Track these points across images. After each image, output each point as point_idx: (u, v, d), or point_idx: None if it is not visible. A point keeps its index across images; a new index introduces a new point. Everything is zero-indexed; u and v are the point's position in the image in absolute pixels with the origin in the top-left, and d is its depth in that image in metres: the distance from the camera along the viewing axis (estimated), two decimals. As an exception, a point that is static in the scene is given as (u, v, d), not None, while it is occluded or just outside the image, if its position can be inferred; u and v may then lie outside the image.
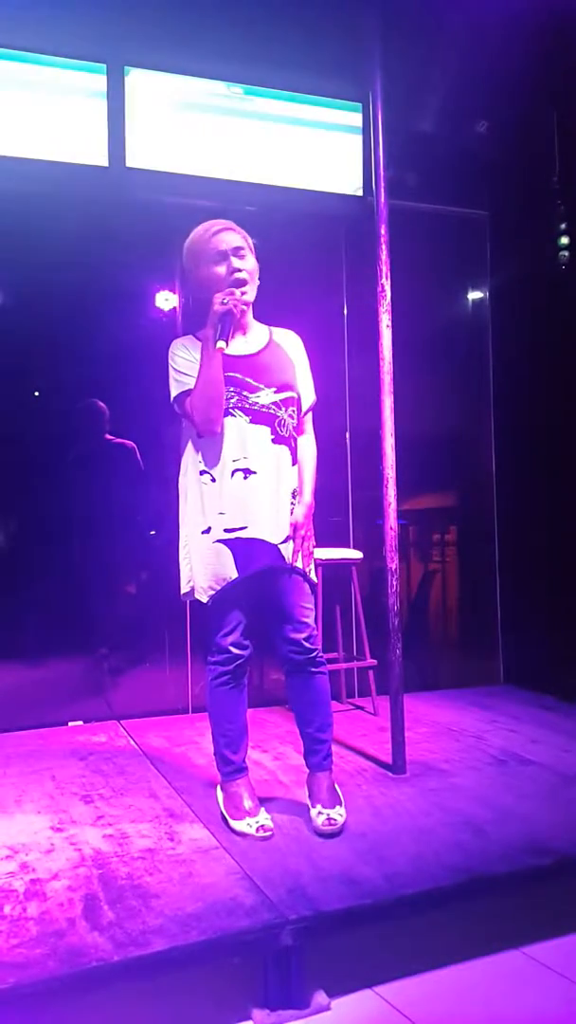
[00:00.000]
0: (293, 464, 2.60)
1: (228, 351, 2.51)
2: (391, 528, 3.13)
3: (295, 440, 2.62)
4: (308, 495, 2.66)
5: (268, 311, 2.79)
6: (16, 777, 3.14)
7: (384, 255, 3.16)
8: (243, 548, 2.52)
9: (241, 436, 2.51)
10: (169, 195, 3.79)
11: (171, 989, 2.05)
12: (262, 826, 2.54)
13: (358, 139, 4.05)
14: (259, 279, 2.62)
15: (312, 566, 2.66)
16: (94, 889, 2.23)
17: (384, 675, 3.30)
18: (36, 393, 3.97)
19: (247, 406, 2.52)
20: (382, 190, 3.17)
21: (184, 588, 2.66)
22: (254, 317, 2.67)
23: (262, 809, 2.62)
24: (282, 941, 2.04)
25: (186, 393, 2.55)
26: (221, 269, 2.55)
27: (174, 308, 4.14)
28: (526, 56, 3.98)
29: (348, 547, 4.20)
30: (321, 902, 2.15)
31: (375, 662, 3.88)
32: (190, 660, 4.12)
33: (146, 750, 3.45)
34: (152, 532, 4.21)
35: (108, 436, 4.11)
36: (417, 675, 4.29)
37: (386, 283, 3.16)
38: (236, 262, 2.55)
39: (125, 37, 3.64)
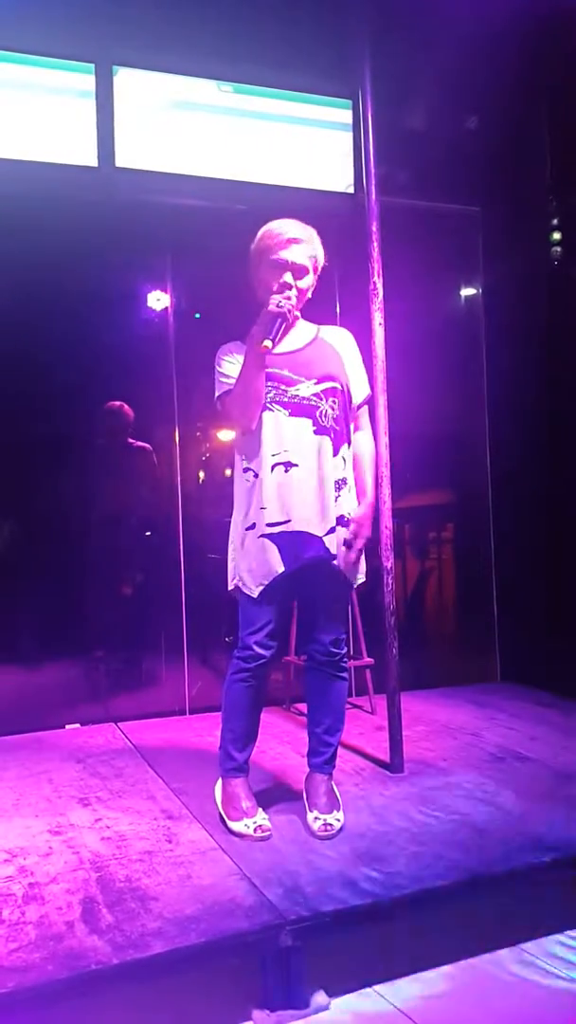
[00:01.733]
0: (335, 455, 2.55)
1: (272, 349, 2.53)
2: (386, 527, 3.13)
3: (337, 432, 2.56)
4: (370, 493, 2.63)
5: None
6: (14, 781, 3.13)
7: (375, 253, 3.16)
8: (288, 541, 2.50)
9: (280, 430, 2.50)
10: (159, 195, 3.79)
11: (171, 991, 2.05)
12: (260, 826, 2.54)
13: (348, 136, 4.05)
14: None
15: (362, 566, 2.64)
16: (93, 892, 2.22)
17: (381, 674, 3.30)
18: (20, 398, 3.94)
19: (286, 400, 2.51)
20: (372, 187, 3.17)
21: (230, 584, 2.64)
22: (304, 318, 2.68)
23: (260, 809, 2.61)
24: (281, 942, 2.04)
25: (227, 392, 2.56)
26: (275, 281, 2.53)
27: (166, 308, 4.13)
28: (516, 51, 3.98)
29: (344, 546, 4.20)
30: (320, 903, 2.14)
31: (372, 661, 3.88)
32: (187, 661, 4.11)
33: (143, 752, 3.45)
34: (148, 533, 4.20)
35: (130, 439, 4.12)
36: (414, 673, 4.28)
37: (378, 281, 3.15)
38: (288, 278, 2.52)
39: (113, 36, 3.63)
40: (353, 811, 2.72)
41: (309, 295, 2.61)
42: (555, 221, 4.30)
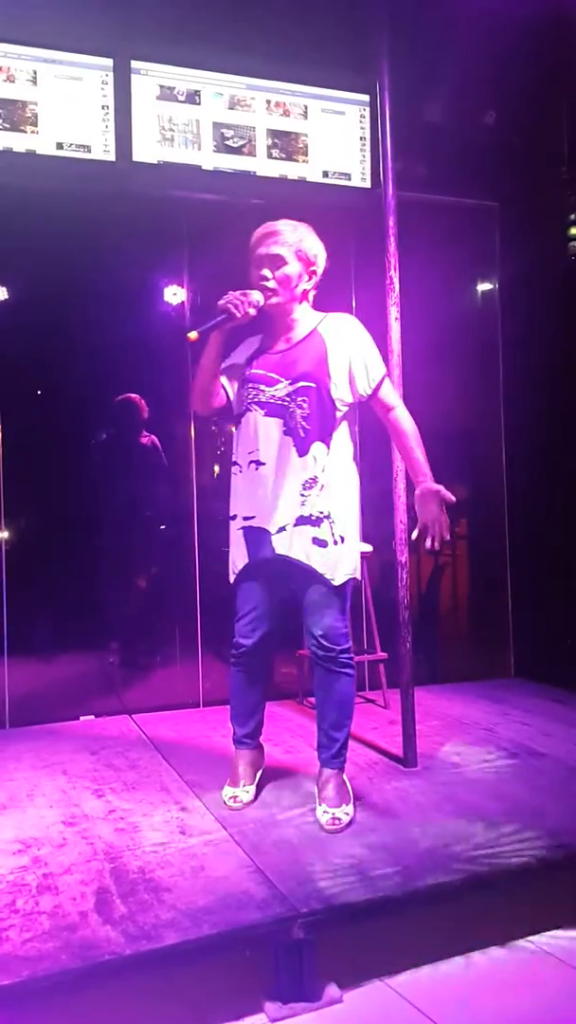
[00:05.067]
0: (302, 454, 2.57)
1: (263, 350, 2.68)
2: (401, 521, 3.13)
3: (306, 431, 2.57)
4: (426, 469, 2.63)
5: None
6: (28, 771, 3.15)
7: (392, 247, 3.15)
8: (254, 536, 2.64)
9: (256, 429, 2.62)
10: (176, 189, 3.78)
11: (183, 982, 2.06)
12: (234, 797, 2.74)
13: (366, 130, 4.02)
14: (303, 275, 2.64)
15: (344, 568, 2.61)
16: (106, 883, 2.24)
17: (395, 668, 3.31)
18: (39, 392, 3.96)
19: (263, 400, 2.62)
20: (390, 182, 3.17)
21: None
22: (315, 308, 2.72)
23: (247, 784, 2.78)
24: (293, 934, 2.05)
25: None
26: (255, 275, 2.63)
27: (182, 302, 4.14)
28: (536, 45, 3.96)
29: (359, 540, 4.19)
30: (332, 895, 2.15)
31: (386, 655, 3.88)
32: (201, 654, 4.12)
33: (157, 744, 3.46)
34: (162, 527, 4.21)
35: (144, 433, 4.13)
36: (428, 668, 4.29)
37: (394, 276, 3.15)
38: (266, 271, 2.60)
39: (132, 30, 3.62)
40: (366, 805, 2.73)
41: (306, 283, 2.65)
42: (573, 216, 4.27)
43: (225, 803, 2.74)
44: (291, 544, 2.57)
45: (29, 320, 3.87)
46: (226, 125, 3.81)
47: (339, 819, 2.57)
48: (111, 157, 3.62)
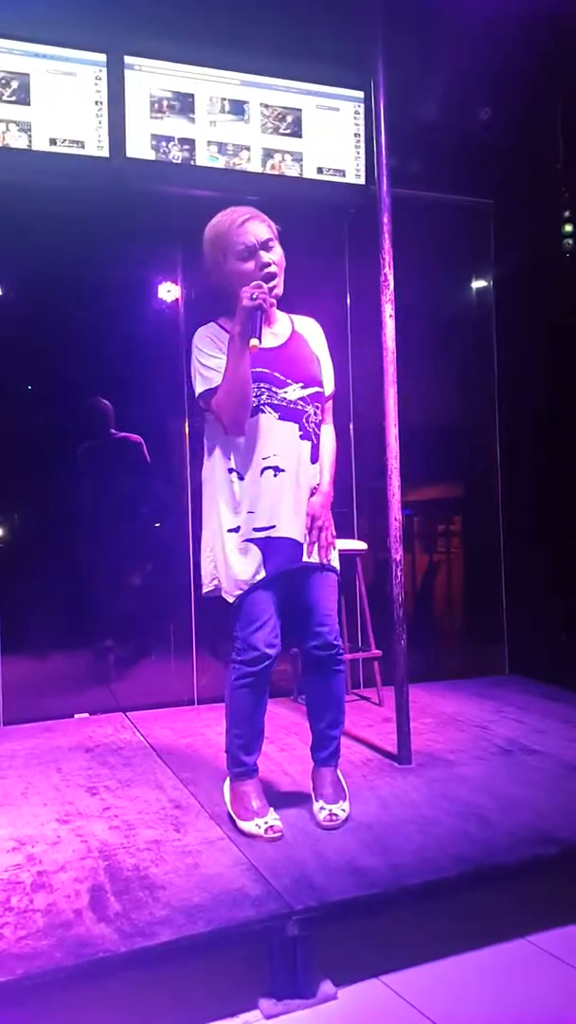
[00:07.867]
0: (313, 461, 2.53)
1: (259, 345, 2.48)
2: (395, 519, 3.13)
3: (317, 436, 2.54)
4: (327, 485, 2.58)
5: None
6: (22, 769, 3.15)
7: (387, 245, 3.14)
8: (272, 547, 2.46)
9: (271, 433, 2.45)
10: (170, 185, 3.78)
11: (178, 979, 2.06)
12: (271, 827, 2.46)
13: (361, 127, 4.03)
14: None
15: (335, 555, 2.61)
16: (100, 880, 2.23)
17: (389, 665, 3.30)
18: (29, 387, 3.95)
19: (276, 402, 2.46)
20: (384, 179, 3.16)
21: (207, 587, 2.59)
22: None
23: (271, 809, 2.53)
24: (288, 931, 2.05)
25: (212, 391, 2.45)
26: (250, 265, 2.44)
27: (176, 299, 4.13)
28: (530, 42, 3.96)
29: (353, 538, 4.20)
30: (327, 892, 2.15)
31: (380, 652, 3.88)
32: (195, 652, 4.12)
33: (152, 742, 3.46)
34: (157, 524, 4.21)
35: (113, 431, 4.10)
36: (422, 665, 4.29)
37: (389, 273, 3.14)
38: (265, 256, 2.44)
39: (126, 26, 3.62)
40: (361, 802, 2.72)
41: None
42: (567, 213, 4.27)
43: (262, 836, 2.44)
44: (314, 549, 2.53)
45: (21, 316, 3.86)
46: (219, 120, 3.80)
47: (336, 815, 2.56)
48: (104, 153, 3.62)
